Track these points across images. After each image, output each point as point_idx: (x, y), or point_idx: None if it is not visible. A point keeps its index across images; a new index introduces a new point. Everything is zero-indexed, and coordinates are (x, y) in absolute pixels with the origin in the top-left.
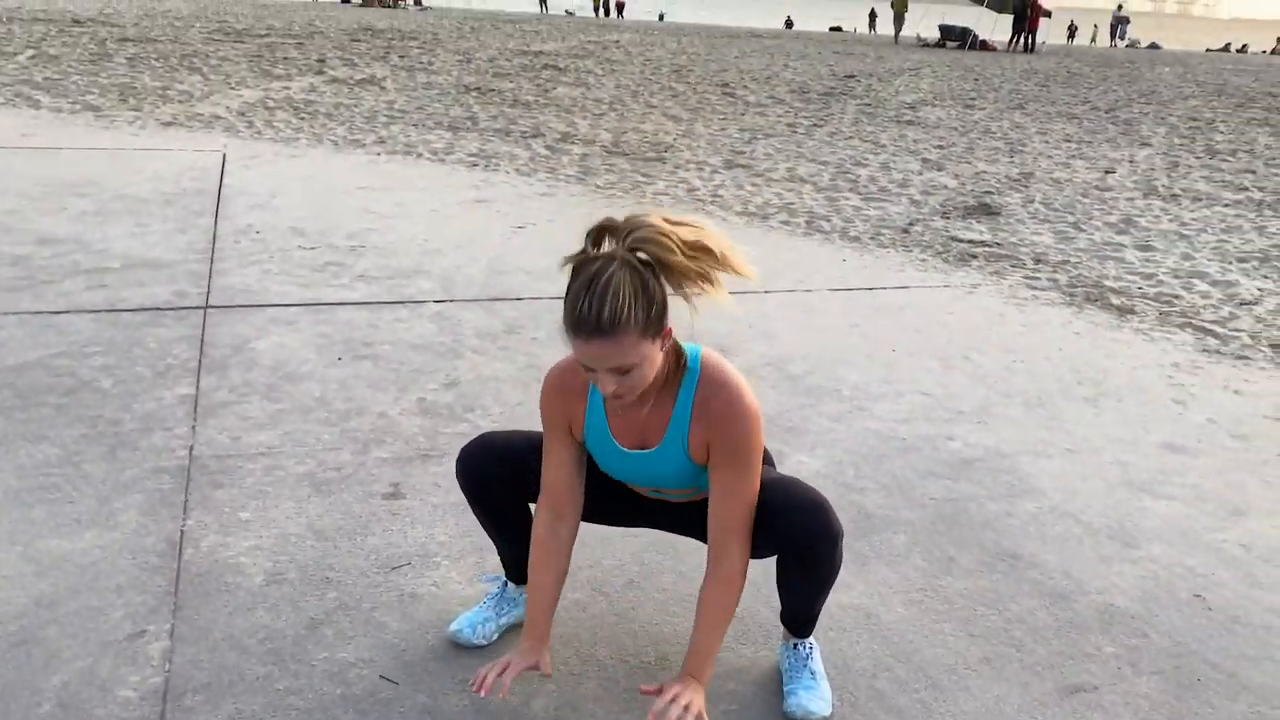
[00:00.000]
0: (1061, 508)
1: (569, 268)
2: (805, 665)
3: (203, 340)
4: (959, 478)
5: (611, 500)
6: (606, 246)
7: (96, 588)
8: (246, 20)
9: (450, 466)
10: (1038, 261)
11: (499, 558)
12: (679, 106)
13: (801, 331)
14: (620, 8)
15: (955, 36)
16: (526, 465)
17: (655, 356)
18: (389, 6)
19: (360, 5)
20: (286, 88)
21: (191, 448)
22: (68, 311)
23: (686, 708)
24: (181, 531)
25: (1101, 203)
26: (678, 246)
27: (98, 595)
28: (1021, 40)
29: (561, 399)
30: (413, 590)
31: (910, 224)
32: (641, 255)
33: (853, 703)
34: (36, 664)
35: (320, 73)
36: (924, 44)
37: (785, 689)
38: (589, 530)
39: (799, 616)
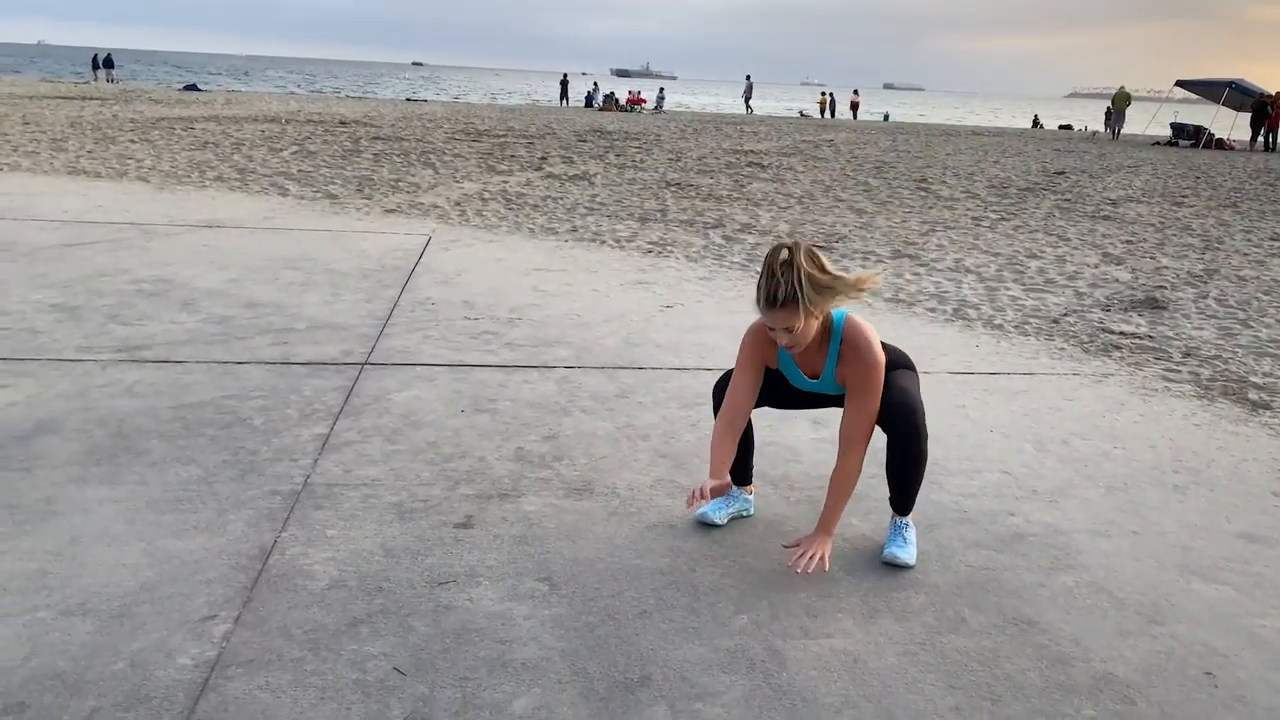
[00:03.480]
0: (1100, 583)
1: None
2: (900, 532)
3: (351, 391)
4: (1005, 550)
5: (794, 400)
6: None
7: (191, 579)
8: (490, 123)
9: (522, 504)
10: (1186, 355)
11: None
12: (867, 200)
13: None
14: (854, 107)
15: (1188, 135)
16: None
17: (811, 324)
18: (626, 110)
19: (600, 109)
20: (505, 182)
21: (308, 477)
22: (248, 362)
23: (812, 556)
24: (274, 541)
25: None
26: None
27: (189, 585)
28: (1263, 139)
29: (762, 343)
30: (449, 603)
31: (1064, 315)
32: (807, 258)
33: None
34: (124, 632)
35: (539, 169)
36: (1155, 142)
37: (885, 545)
38: (619, 565)
39: (895, 498)
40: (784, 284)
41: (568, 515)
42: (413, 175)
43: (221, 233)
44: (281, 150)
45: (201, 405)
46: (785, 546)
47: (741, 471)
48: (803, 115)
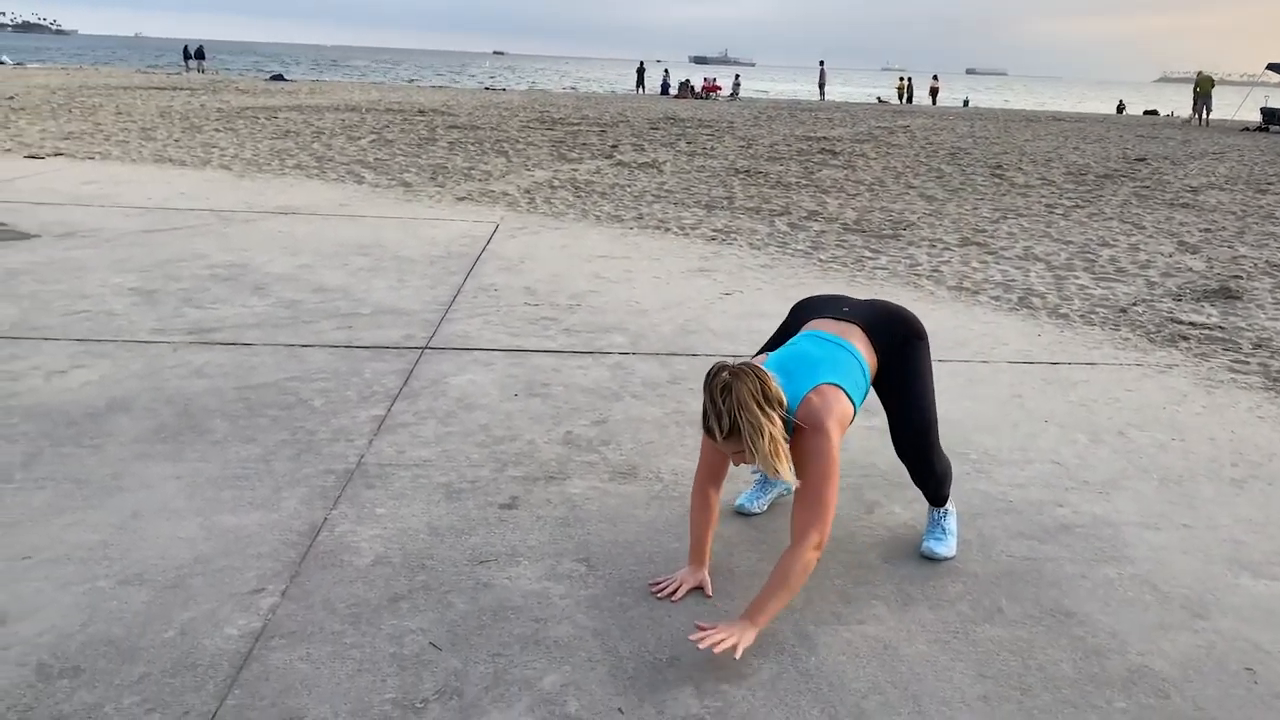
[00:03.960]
0: (1144, 576)
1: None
2: (938, 523)
3: (409, 374)
4: (1049, 541)
5: None
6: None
7: (243, 554)
8: (566, 111)
9: (566, 487)
10: (1257, 347)
11: None
12: (939, 187)
13: (954, 399)
14: (934, 93)
15: (1279, 120)
16: None
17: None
18: (701, 98)
19: (676, 97)
20: (575, 170)
21: (362, 457)
22: (313, 345)
23: (722, 640)
24: (325, 518)
25: None
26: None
27: (241, 559)
28: None
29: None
30: (488, 580)
31: (1133, 304)
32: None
33: (833, 714)
34: (176, 602)
35: (609, 156)
36: (1244, 128)
37: (923, 537)
38: (658, 548)
39: (926, 491)
40: (725, 415)
41: (611, 499)
42: (485, 163)
43: (296, 219)
44: (359, 139)
45: (265, 387)
46: (698, 626)
47: None
48: (880, 101)
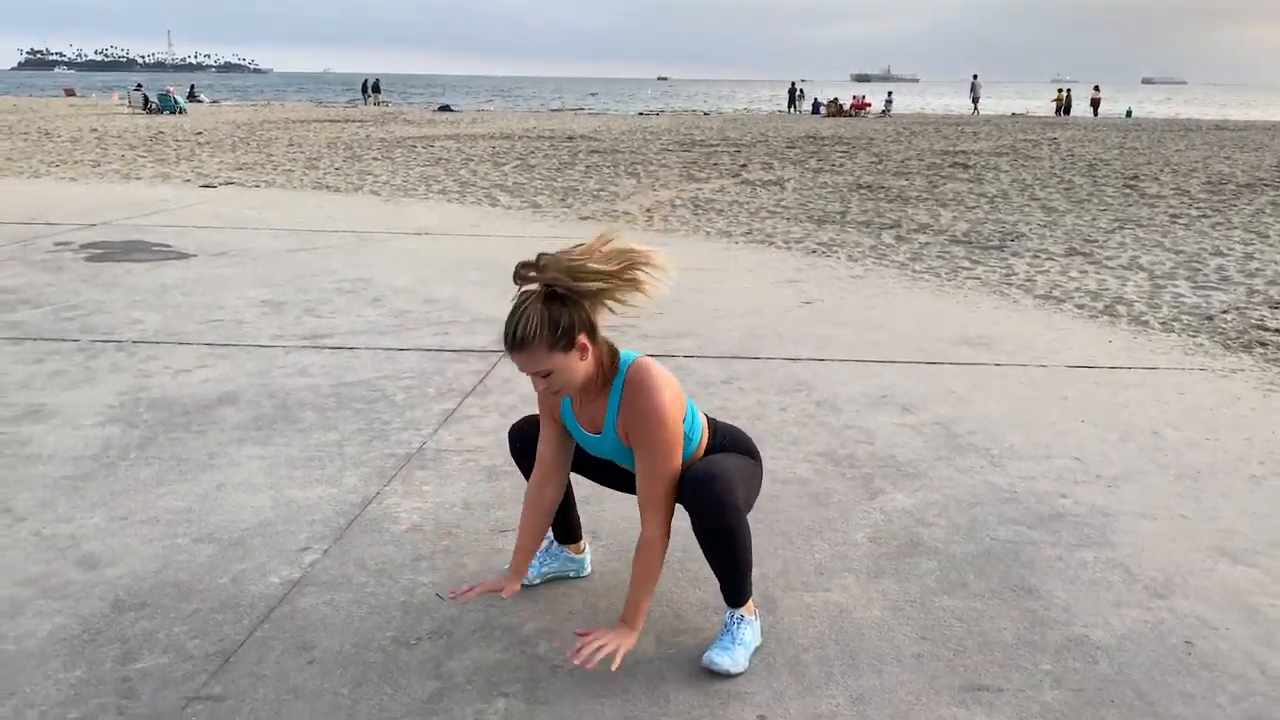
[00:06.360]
0: (1120, 560)
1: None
2: (729, 630)
3: (487, 374)
4: (1038, 527)
5: (592, 466)
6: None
7: (299, 520)
8: (708, 133)
9: None
10: None
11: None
12: (1064, 199)
13: (998, 399)
14: (1094, 104)
15: None
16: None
17: (572, 364)
18: (850, 115)
19: (825, 115)
20: (699, 189)
21: (424, 444)
22: (409, 349)
23: (599, 648)
24: (377, 493)
25: None
26: (585, 274)
27: (296, 525)
28: None
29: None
30: (501, 546)
31: (1222, 312)
32: (552, 288)
33: (770, 665)
34: (234, 557)
35: (736, 175)
36: None
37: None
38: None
39: (722, 584)
40: (528, 321)
41: None
42: (615, 185)
43: (426, 239)
44: (504, 164)
45: (357, 384)
46: (577, 634)
47: (564, 529)
48: (1014, 116)
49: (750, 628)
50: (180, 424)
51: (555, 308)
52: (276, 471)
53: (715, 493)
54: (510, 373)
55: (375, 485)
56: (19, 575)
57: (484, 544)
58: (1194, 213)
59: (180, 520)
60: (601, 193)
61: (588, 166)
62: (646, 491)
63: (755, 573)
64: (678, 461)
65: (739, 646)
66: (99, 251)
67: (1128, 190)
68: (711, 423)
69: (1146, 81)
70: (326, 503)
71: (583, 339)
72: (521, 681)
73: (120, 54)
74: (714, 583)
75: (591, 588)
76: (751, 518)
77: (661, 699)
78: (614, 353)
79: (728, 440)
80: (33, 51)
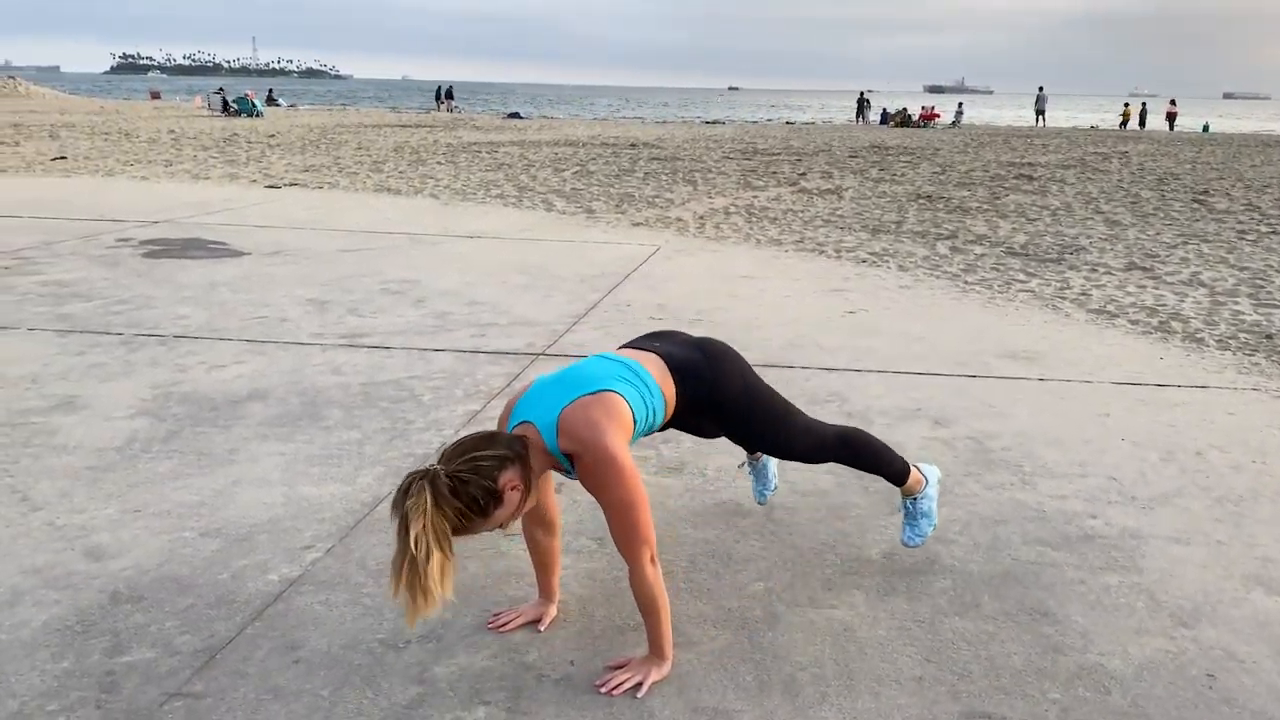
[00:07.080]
0: (1147, 585)
1: None
2: (905, 514)
3: (516, 376)
4: (1063, 548)
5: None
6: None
7: (308, 518)
8: (771, 142)
9: None
10: None
11: None
12: (1129, 213)
13: (1035, 415)
14: (1170, 118)
15: None
16: None
17: (515, 499)
18: (918, 126)
19: (894, 126)
20: (755, 197)
21: (443, 444)
22: (444, 350)
23: (625, 681)
24: (388, 492)
25: None
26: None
27: (304, 522)
28: None
29: None
30: (505, 550)
31: None
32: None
33: (763, 683)
34: (238, 553)
35: (794, 184)
36: None
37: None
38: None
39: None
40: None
41: (648, 490)
42: (671, 192)
43: (477, 242)
44: (564, 170)
45: (387, 383)
46: (606, 666)
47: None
48: (1092, 129)
49: (919, 503)
50: (207, 419)
51: (454, 496)
52: (293, 468)
53: (795, 454)
54: (537, 374)
55: (388, 485)
56: (25, 564)
57: (488, 546)
58: (1263, 229)
59: (191, 514)
60: (657, 199)
61: (646, 173)
62: (621, 534)
63: (762, 586)
64: (640, 494)
65: (921, 519)
66: (157, 248)
67: (1196, 205)
68: (674, 372)
69: (1228, 96)
70: (338, 501)
71: (505, 481)
72: (505, 690)
73: (207, 59)
74: (715, 595)
75: (590, 596)
76: (764, 529)
77: (646, 714)
78: (532, 436)
79: (689, 376)
80: (124, 56)
